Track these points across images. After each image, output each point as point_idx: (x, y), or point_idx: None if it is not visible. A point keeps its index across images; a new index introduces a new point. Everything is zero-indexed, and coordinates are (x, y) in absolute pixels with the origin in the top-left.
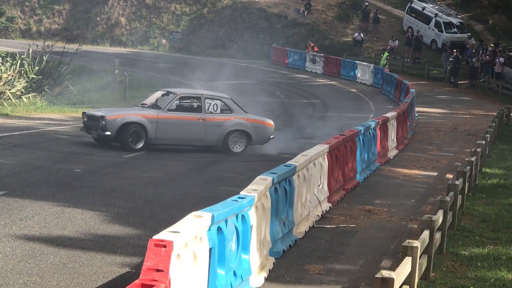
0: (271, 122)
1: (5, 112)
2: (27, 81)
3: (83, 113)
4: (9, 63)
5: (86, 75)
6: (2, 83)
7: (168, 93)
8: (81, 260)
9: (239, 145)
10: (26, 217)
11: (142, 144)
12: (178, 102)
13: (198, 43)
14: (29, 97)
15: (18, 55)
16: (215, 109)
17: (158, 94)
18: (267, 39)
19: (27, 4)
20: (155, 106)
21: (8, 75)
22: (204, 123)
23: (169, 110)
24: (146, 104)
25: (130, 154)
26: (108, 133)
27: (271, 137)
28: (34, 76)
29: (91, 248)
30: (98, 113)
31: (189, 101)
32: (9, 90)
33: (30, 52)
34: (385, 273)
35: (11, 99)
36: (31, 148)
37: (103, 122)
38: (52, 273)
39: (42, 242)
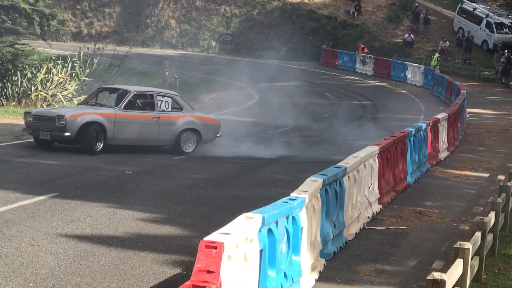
0: (218, 120)
1: None
2: (78, 84)
3: (27, 113)
4: (60, 66)
5: (136, 77)
6: (53, 86)
7: (119, 90)
8: (132, 262)
9: (190, 145)
10: (78, 218)
11: (102, 146)
12: (132, 99)
13: (247, 45)
14: (80, 99)
15: (69, 58)
16: (167, 107)
17: (104, 91)
18: (316, 40)
19: (78, 7)
20: (106, 104)
21: (60, 77)
22: (158, 121)
23: (124, 108)
24: (94, 103)
25: (180, 156)
26: (67, 134)
27: (218, 135)
28: (85, 79)
29: (142, 250)
30: (52, 112)
31: (143, 98)
32: (61, 92)
33: (81, 55)
34: (437, 275)
35: (63, 102)
36: (82, 150)
37: (62, 122)
38: (104, 274)
39: (94, 244)
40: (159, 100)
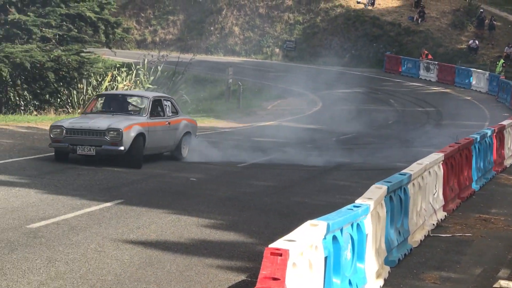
0: (195, 120)
1: None
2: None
3: (56, 126)
4: (125, 73)
5: (200, 85)
6: None
7: (135, 96)
8: (197, 268)
9: (186, 149)
10: (143, 225)
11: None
12: (152, 106)
13: (311, 51)
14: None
15: (133, 66)
16: (169, 111)
17: (112, 98)
18: (380, 47)
19: (143, 15)
20: (131, 112)
21: (124, 85)
22: (169, 127)
23: (150, 116)
24: (113, 111)
25: (244, 163)
26: (122, 148)
27: (196, 136)
28: (149, 86)
29: (207, 256)
30: (97, 125)
31: (157, 104)
32: None
33: (146, 62)
34: (503, 283)
35: None
36: (146, 157)
37: (116, 135)
38: (169, 280)
39: (159, 250)
40: (165, 105)
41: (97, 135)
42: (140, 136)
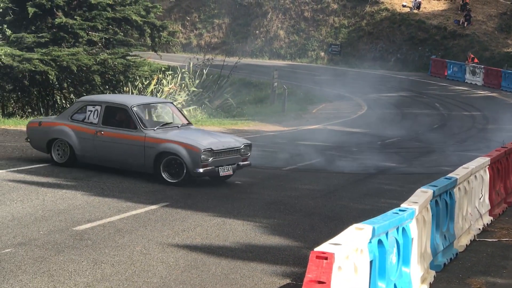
0: None
1: None
2: (187, 94)
3: (207, 151)
4: (170, 76)
5: (245, 88)
6: (164, 96)
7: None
8: (242, 271)
9: None
10: (188, 228)
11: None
12: None
13: (356, 55)
14: (189, 109)
15: (179, 69)
16: None
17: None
18: (426, 51)
19: (188, 18)
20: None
21: (170, 88)
22: None
23: None
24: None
25: (290, 166)
26: (249, 162)
27: None
28: (195, 89)
29: (252, 259)
30: (230, 141)
31: None
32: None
33: (191, 65)
34: None
35: None
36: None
37: (248, 150)
38: (214, 283)
39: (204, 253)
40: None
41: (235, 153)
42: None
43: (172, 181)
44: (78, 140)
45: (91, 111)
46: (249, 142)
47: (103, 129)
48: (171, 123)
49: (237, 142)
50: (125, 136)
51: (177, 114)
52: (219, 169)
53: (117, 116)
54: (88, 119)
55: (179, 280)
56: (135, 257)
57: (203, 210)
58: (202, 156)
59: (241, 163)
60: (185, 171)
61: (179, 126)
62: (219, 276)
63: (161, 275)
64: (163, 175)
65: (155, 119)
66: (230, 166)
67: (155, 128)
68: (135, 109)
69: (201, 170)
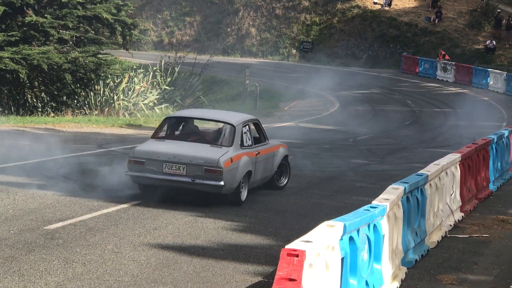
0: None
1: (138, 123)
2: (159, 92)
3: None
4: (142, 74)
5: (217, 86)
6: (135, 95)
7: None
8: (214, 269)
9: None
10: (159, 226)
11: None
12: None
13: (328, 52)
14: (161, 108)
15: (150, 67)
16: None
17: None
18: (397, 48)
19: (159, 16)
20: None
21: (141, 86)
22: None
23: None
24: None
25: None
26: None
27: None
28: (166, 87)
29: (223, 257)
30: None
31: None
32: (142, 101)
33: (162, 63)
34: None
35: (144, 110)
36: None
37: None
38: (186, 282)
39: (176, 251)
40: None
41: None
42: None
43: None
44: None
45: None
46: None
47: None
48: None
49: None
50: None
51: None
52: None
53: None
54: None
55: (150, 279)
56: (106, 256)
57: (174, 209)
58: None
59: None
60: None
61: None
62: (191, 274)
63: (132, 274)
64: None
65: None
66: None
67: None
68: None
69: None
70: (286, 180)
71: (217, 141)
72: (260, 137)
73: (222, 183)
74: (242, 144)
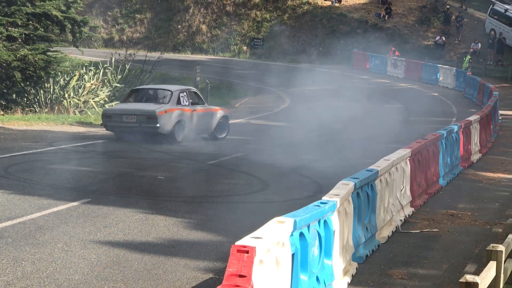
0: None
1: (89, 120)
2: (110, 90)
3: None
4: (92, 72)
5: (168, 83)
6: (85, 92)
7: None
8: (164, 267)
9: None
10: (110, 224)
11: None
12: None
13: (278, 49)
14: (112, 105)
15: (101, 64)
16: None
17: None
18: (347, 44)
19: (110, 13)
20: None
21: (92, 84)
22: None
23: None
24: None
25: (213, 160)
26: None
27: None
28: (117, 85)
29: (174, 254)
30: None
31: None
32: (93, 99)
33: (113, 61)
34: (469, 277)
35: (95, 108)
36: (114, 156)
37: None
38: (137, 279)
39: (126, 249)
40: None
41: None
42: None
43: None
44: None
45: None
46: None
47: None
48: None
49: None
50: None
51: None
52: None
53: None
54: None
55: (101, 277)
56: (56, 254)
57: (125, 206)
58: None
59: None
60: None
61: None
62: (142, 272)
63: (83, 272)
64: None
65: None
66: None
67: None
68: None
69: None
70: (224, 135)
71: (159, 100)
72: (198, 101)
73: (158, 125)
74: (178, 103)
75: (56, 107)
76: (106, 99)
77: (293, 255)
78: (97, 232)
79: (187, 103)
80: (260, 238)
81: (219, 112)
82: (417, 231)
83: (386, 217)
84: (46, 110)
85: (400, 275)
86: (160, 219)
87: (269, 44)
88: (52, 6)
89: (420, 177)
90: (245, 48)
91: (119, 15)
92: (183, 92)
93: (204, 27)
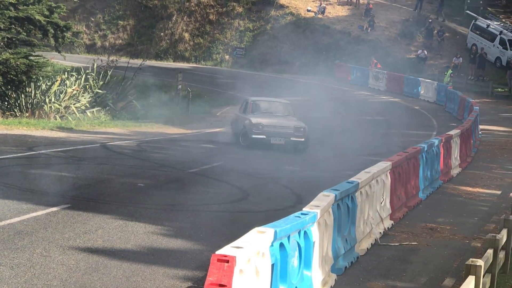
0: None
1: (69, 126)
2: (91, 96)
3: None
4: (74, 77)
5: (150, 90)
6: (67, 98)
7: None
8: (143, 274)
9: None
10: (89, 230)
11: None
12: None
13: (261, 59)
14: (93, 111)
15: (83, 70)
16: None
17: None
18: (330, 55)
19: (92, 19)
20: None
21: (73, 89)
22: None
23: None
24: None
25: (193, 169)
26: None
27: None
28: (99, 91)
29: (153, 262)
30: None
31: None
32: (74, 104)
33: (95, 67)
34: None
35: (76, 114)
36: (95, 162)
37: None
38: (115, 286)
39: (105, 256)
40: None
41: None
42: None
43: None
44: None
45: None
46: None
47: None
48: None
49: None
50: None
51: None
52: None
53: None
54: None
55: (79, 283)
56: (35, 259)
57: (105, 213)
58: None
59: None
60: None
61: None
62: (121, 279)
63: (61, 278)
64: None
65: None
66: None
67: None
68: None
69: None
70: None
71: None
72: None
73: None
74: None
75: (37, 112)
76: (87, 105)
77: (272, 265)
78: (76, 238)
79: None
80: (241, 247)
81: None
82: (396, 244)
83: (365, 230)
84: (27, 114)
85: (379, 287)
86: (139, 226)
87: (252, 54)
88: (35, 11)
89: (400, 190)
90: (227, 57)
91: (102, 21)
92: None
93: (186, 35)
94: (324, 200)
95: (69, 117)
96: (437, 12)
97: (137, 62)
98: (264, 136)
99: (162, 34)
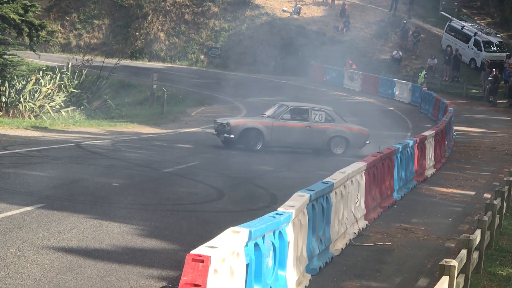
0: (366, 130)
1: (44, 125)
2: (66, 95)
3: (214, 121)
4: (49, 77)
5: (125, 90)
6: (41, 97)
7: (282, 105)
8: (118, 274)
9: (340, 148)
10: (64, 230)
11: (260, 146)
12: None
13: (236, 59)
14: (68, 110)
15: (57, 69)
16: (320, 118)
17: (275, 106)
18: (305, 56)
19: (67, 18)
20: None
21: (48, 88)
22: (310, 129)
23: (282, 119)
24: (265, 114)
25: (168, 168)
26: (232, 136)
27: (367, 142)
28: (73, 90)
29: (128, 262)
30: (224, 121)
31: (298, 112)
32: (49, 103)
33: (70, 66)
34: None
35: (50, 113)
36: (69, 161)
37: (228, 128)
38: (90, 286)
39: (80, 255)
40: (313, 113)
41: (223, 127)
42: (251, 130)
43: None
44: None
45: None
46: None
47: None
48: None
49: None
50: None
51: None
52: (219, 135)
53: None
54: None
55: (53, 283)
56: (8, 259)
57: (79, 212)
58: (214, 125)
59: (227, 135)
60: None
61: None
62: (95, 279)
63: (35, 277)
64: None
65: None
66: (222, 135)
67: None
68: None
69: None
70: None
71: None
72: None
73: None
74: None
75: (11, 111)
76: (62, 104)
77: (247, 265)
78: (50, 238)
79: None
80: (215, 247)
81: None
82: (370, 245)
83: (340, 230)
84: (1, 113)
85: (353, 287)
86: (114, 226)
87: (227, 54)
88: (10, 9)
89: (374, 190)
90: (202, 57)
91: (77, 20)
92: None
93: (162, 34)
94: (299, 200)
95: (44, 116)
96: (407, 11)
97: (112, 61)
98: None
99: (137, 33)
